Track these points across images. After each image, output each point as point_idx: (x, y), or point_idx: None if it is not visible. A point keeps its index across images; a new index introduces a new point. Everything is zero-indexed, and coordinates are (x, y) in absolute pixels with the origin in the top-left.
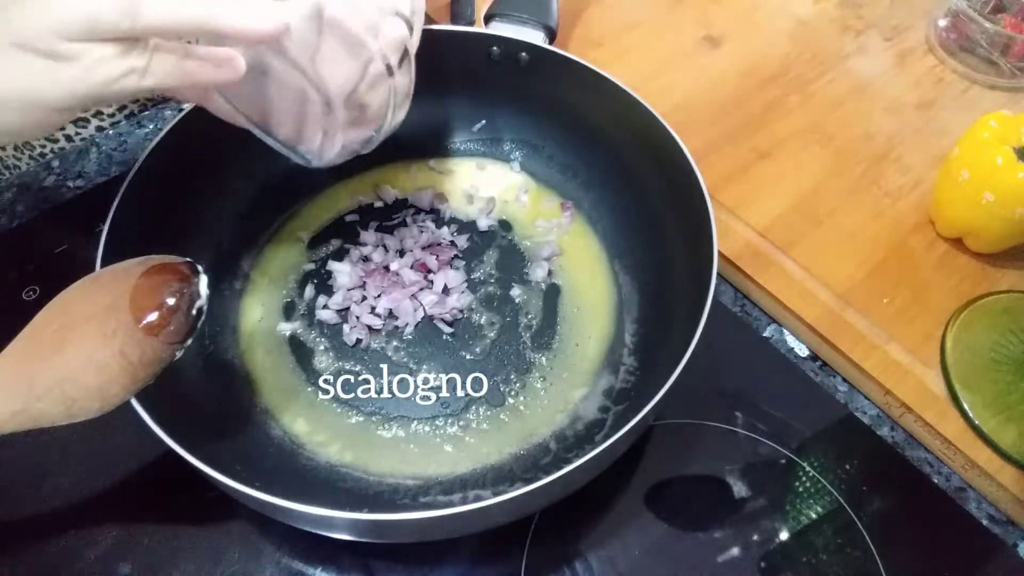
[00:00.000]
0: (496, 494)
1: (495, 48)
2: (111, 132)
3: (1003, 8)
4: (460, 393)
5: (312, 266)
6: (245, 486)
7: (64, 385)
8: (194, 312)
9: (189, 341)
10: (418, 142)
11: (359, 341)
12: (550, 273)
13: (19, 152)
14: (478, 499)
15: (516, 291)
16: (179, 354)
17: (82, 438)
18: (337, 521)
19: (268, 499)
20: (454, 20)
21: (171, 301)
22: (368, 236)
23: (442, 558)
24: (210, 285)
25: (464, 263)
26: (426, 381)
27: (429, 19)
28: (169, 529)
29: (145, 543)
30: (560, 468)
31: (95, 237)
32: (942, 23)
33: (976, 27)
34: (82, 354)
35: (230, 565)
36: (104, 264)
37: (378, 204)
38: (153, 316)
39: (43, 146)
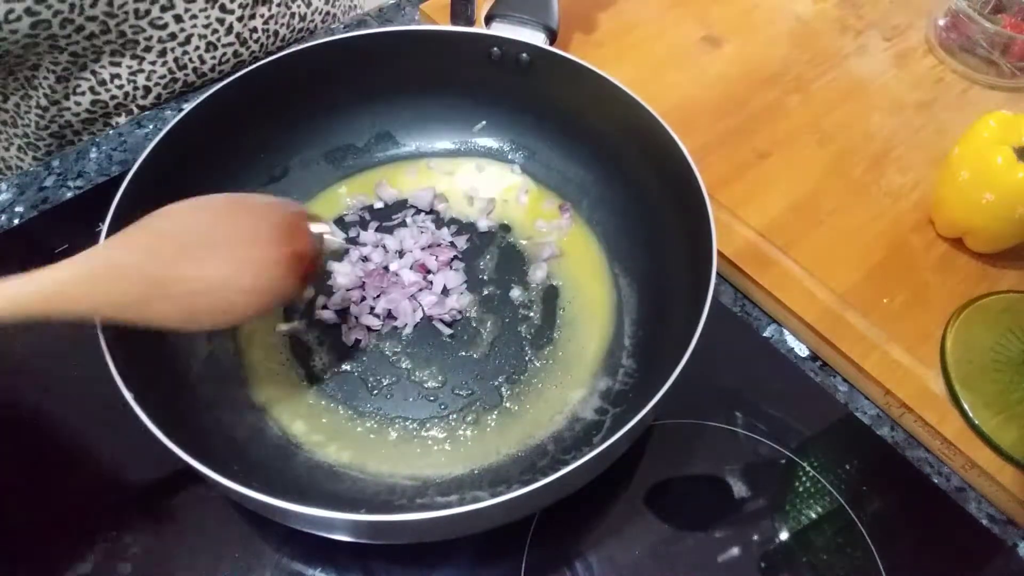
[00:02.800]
0: (494, 495)
1: (495, 49)
2: (111, 132)
3: (1003, 8)
4: (458, 394)
5: None
6: (242, 486)
7: (194, 297)
8: (321, 261)
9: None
10: (418, 142)
11: (358, 341)
12: (549, 274)
13: (22, 153)
14: (475, 500)
15: (515, 292)
16: (302, 294)
17: (82, 438)
18: (335, 522)
19: (264, 499)
20: (454, 20)
21: (314, 245)
22: (367, 236)
23: (442, 558)
24: None
25: (463, 264)
26: (424, 382)
27: (429, 19)
28: (169, 529)
29: (145, 543)
30: (558, 470)
31: (95, 237)
32: (942, 23)
33: (976, 27)
34: (220, 273)
35: (230, 565)
36: None
37: (378, 204)
38: (300, 254)
39: (48, 145)
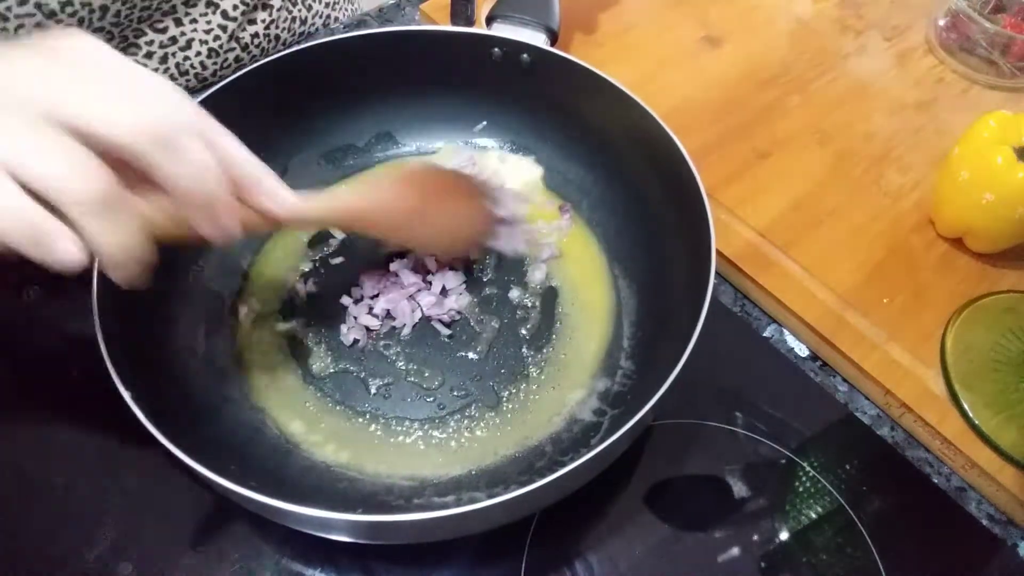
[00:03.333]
0: (491, 496)
1: (496, 49)
2: None
3: (1003, 8)
4: (456, 394)
5: (311, 265)
6: (240, 486)
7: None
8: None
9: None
10: (418, 142)
11: (356, 341)
12: (548, 275)
13: None
14: (472, 501)
15: (514, 293)
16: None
17: (81, 438)
18: (333, 522)
19: (263, 499)
20: (454, 20)
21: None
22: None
23: (442, 558)
24: (208, 283)
25: (462, 264)
26: (423, 382)
27: (429, 19)
28: (169, 529)
29: (145, 543)
30: (556, 471)
31: None
32: (942, 23)
33: (976, 27)
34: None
35: (230, 565)
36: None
37: None
38: (497, 218)
39: None
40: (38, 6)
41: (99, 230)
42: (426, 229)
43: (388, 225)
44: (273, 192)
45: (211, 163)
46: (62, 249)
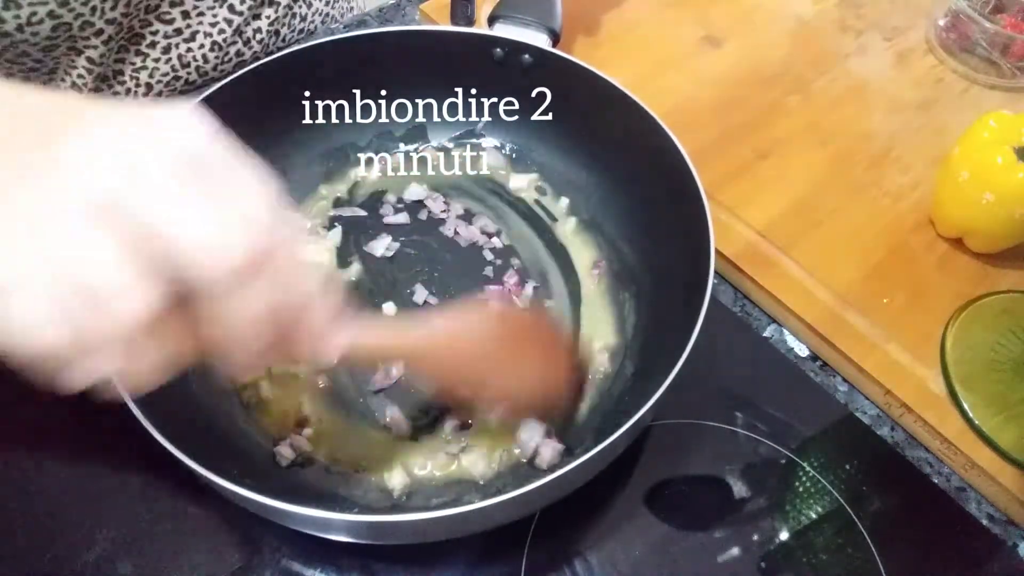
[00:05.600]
0: (490, 495)
1: (498, 49)
2: None
3: (1003, 8)
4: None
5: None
6: (240, 487)
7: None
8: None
9: None
10: (418, 142)
11: None
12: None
13: None
14: (471, 500)
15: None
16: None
17: (81, 438)
18: (333, 522)
19: (263, 500)
20: (454, 20)
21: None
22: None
23: (442, 558)
24: None
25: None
26: (422, 382)
27: (429, 19)
28: (169, 529)
29: (145, 543)
30: (555, 471)
31: None
32: (942, 23)
33: (976, 27)
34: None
35: (230, 565)
36: None
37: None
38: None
39: None
40: None
41: (112, 366)
42: (494, 380)
43: (448, 369)
44: (323, 336)
45: (273, 305)
46: (63, 380)
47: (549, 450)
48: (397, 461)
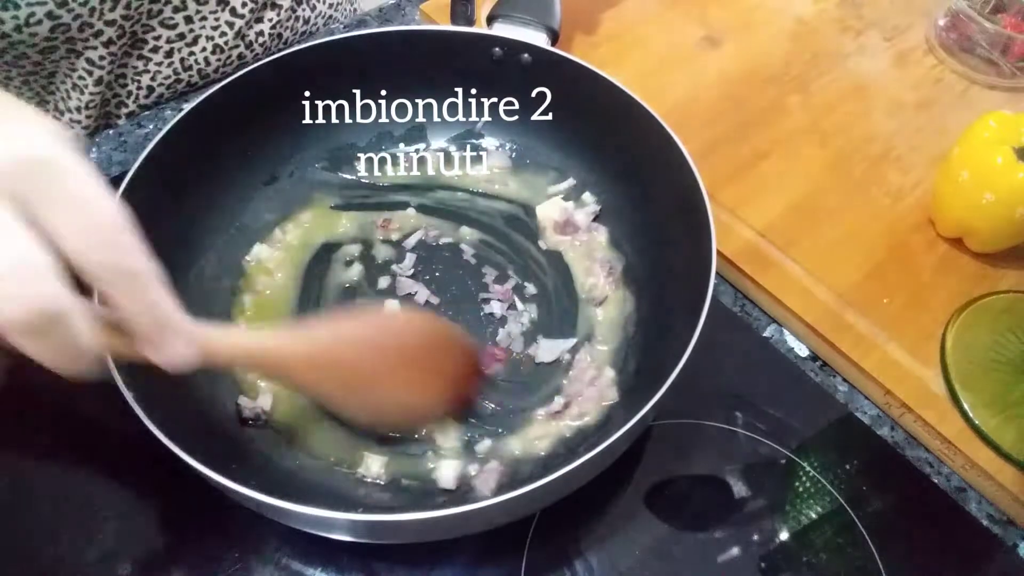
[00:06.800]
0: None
1: (497, 49)
2: (111, 132)
3: (1003, 8)
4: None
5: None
6: (241, 485)
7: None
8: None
9: None
10: (417, 141)
11: None
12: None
13: None
14: (474, 500)
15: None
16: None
17: (81, 438)
18: (334, 522)
19: (264, 499)
20: (454, 20)
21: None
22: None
23: (443, 558)
24: (207, 282)
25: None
26: None
27: (429, 19)
28: (169, 529)
29: (145, 543)
30: (558, 469)
31: None
32: (942, 23)
33: (976, 27)
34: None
35: (230, 565)
36: None
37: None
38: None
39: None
40: None
41: (34, 350)
42: (380, 396)
43: (326, 384)
44: (163, 342)
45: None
46: None
47: (486, 478)
48: (395, 460)
